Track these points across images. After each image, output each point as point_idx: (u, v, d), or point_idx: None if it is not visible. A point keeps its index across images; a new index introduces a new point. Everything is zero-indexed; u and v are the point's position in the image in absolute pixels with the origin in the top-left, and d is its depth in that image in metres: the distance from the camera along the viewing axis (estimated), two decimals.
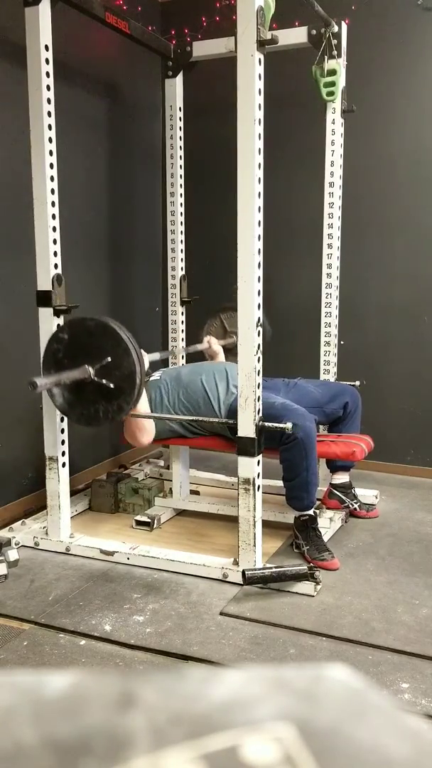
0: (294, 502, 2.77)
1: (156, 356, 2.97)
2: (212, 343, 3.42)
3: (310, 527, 2.75)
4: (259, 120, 2.36)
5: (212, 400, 2.86)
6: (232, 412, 2.76)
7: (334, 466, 3.20)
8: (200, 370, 3.00)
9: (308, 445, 2.65)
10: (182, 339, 3.69)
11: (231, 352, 3.55)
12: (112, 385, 2.43)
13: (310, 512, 2.76)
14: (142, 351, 2.52)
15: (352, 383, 3.30)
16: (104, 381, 2.43)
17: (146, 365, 2.63)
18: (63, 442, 2.82)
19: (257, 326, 2.45)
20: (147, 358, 2.72)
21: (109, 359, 2.42)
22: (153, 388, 2.95)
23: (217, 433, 2.89)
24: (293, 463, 2.68)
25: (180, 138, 3.56)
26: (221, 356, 3.44)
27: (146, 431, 2.86)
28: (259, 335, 2.47)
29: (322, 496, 3.24)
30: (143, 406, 2.81)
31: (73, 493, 3.27)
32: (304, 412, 2.71)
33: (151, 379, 3.03)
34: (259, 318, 2.46)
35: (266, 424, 2.52)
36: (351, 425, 3.08)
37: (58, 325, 2.67)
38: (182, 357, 3.67)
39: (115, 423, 3.17)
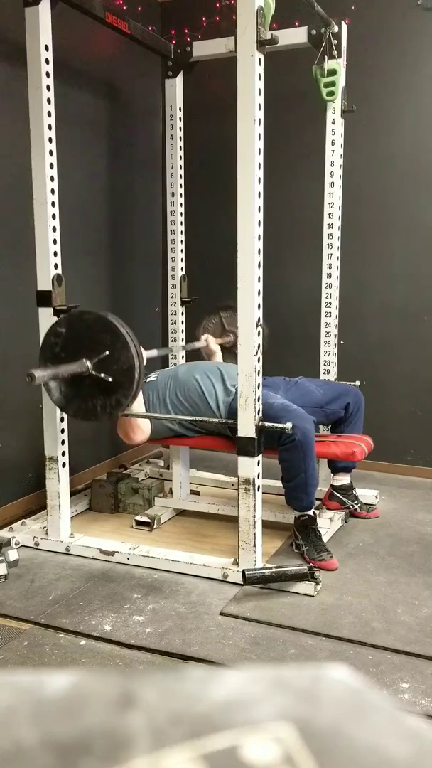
0: (293, 503, 2.77)
1: (154, 353, 2.97)
2: (210, 342, 3.42)
3: (309, 527, 2.75)
4: (259, 120, 2.36)
5: (209, 400, 2.86)
6: (233, 412, 2.76)
7: (336, 467, 3.19)
8: (195, 369, 3.00)
9: (306, 447, 2.65)
10: (182, 339, 3.69)
11: (229, 351, 3.55)
12: (110, 379, 2.42)
13: (310, 512, 2.77)
14: (141, 347, 2.51)
15: (353, 383, 3.30)
16: (102, 375, 2.42)
17: (144, 361, 2.63)
18: (63, 442, 2.82)
19: (257, 326, 2.45)
20: (145, 354, 2.71)
21: (108, 353, 2.41)
22: (150, 389, 2.95)
23: (217, 432, 2.88)
24: (292, 465, 2.68)
25: (180, 138, 3.56)
26: (219, 355, 3.44)
27: (141, 430, 2.86)
28: (259, 335, 2.47)
29: (323, 498, 3.24)
30: (138, 404, 2.80)
31: (73, 493, 3.27)
32: (302, 413, 2.70)
33: (148, 380, 3.03)
34: (259, 318, 2.46)
35: (266, 424, 2.52)
36: (353, 426, 3.08)
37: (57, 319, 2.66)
38: (182, 356, 3.66)
39: (113, 420, 3.17)
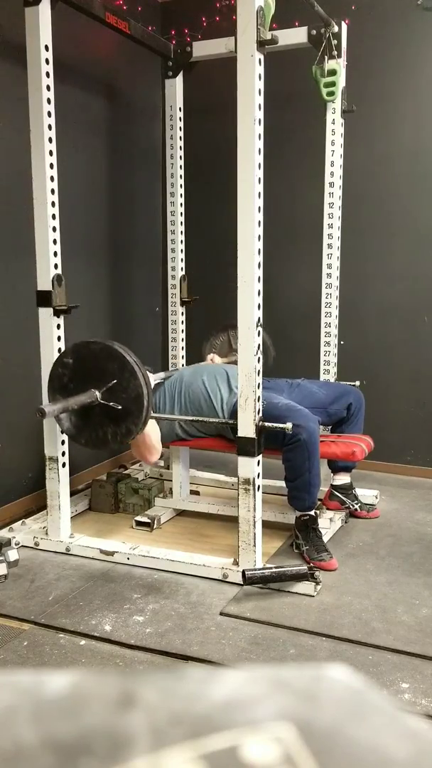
0: (295, 503, 2.77)
1: (161, 375, 2.98)
2: (215, 361, 3.41)
3: (310, 527, 2.76)
4: (259, 120, 2.36)
5: (214, 402, 2.86)
6: (235, 413, 2.76)
7: (335, 467, 3.19)
8: (201, 371, 3.00)
9: (311, 446, 2.65)
10: (182, 339, 3.69)
11: None
12: (120, 407, 2.42)
13: (311, 512, 2.77)
14: (148, 373, 2.50)
15: (352, 383, 3.30)
16: (111, 404, 2.42)
17: (152, 385, 2.60)
18: (63, 442, 2.82)
19: (257, 326, 2.45)
20: (151, 378, 2.68)
21: (115, 381, 2.41)
22: (154, 391, 2.95)
23: (220, 434, 2.89)
24: (296, 464, 2.68)
25: (180, 138, 3.56)
26: None
27: (156, 450, 2.82)
28: (259, 335, 2.47)
29: (323, 498, 3.24)
30: (152, 428, 2.76)
31: (73, 493, 3.27)
32: (307, 413, 2.71)
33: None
34: (259, 318, 2.46)
35: (267, 424, 2.52)
36: (354, 426, 3.08)
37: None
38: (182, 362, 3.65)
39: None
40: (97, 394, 2.43)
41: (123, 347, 2.45)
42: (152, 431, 2.77)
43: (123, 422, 2.45)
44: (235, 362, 3.48)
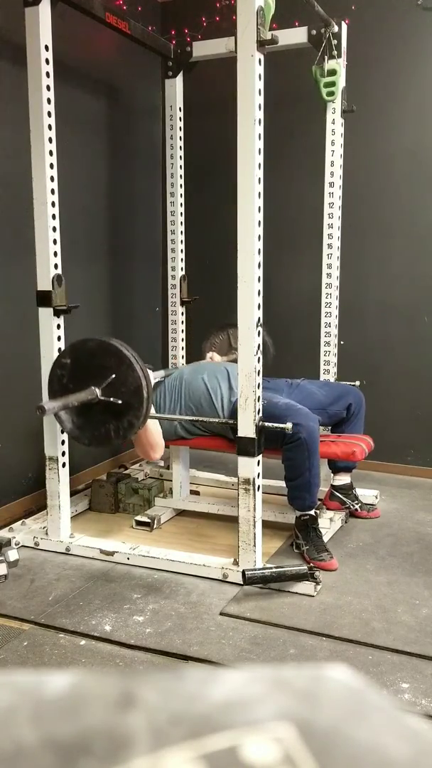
0: (296, 502, 2.77)
1: (161, 373, 2.99)
2: (215, 359, 3.41)
3: (310, 527, 2.76)
4: (259, 120, 2.36)
5: (215, 400, 2.86)
6: (235, 412, 2.77)
7: (336, 467, 3.19)
8: (201, 370, 3.01)
9: (311, 446, 2.65)
10: (182, 339, 3.69)
11: None
12: (120, 402, 2.41)
13: (311, 512, 2.77)
14: (147, 367, 2.50)
15: (352, 383, 3.30)
16: (112, 399, 2.42)
17: (152, 382, 2.60)
18: (63, 442, 2.82)
19: (257, 326, 2.45)
20: (151, 375, 2.68)
21: (114, 376, 2.41)
22: (154, 390, 2.95)
23: (220, 433, 2.89)
24: (296, 463, 2.68)
25: (180, 138, 3.56)
26: None
27: (158, 446, 2.85)
28: (259, 335, 2.47)
29: (324, 498, 3.24)
30: (153, 424, 2.78)
31: (73, 493, 3.27)
32: (307, 412, 2.71)
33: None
34: (259, 318, 2.46)
35: (267, 424, 2.52)
36: (354, 426, 3.08)
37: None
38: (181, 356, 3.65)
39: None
40: (97, 391, 2.43)
41: (119, 342, 2.45)
42: (153, 427, 2.78)
43: (125, 416, 2.45)
44: (234, 360, 3.50)
